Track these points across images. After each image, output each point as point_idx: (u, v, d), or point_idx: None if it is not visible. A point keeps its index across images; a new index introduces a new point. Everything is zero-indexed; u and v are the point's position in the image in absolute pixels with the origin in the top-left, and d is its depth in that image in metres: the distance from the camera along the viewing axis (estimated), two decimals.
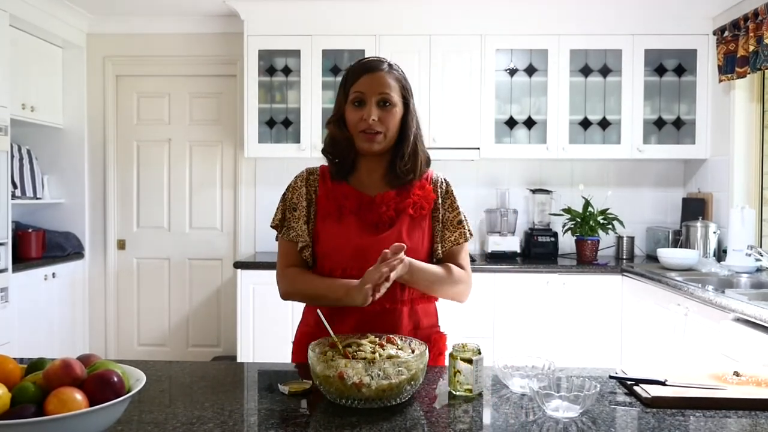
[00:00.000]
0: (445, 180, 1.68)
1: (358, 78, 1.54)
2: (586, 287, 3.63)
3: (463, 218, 1.66)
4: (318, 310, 1.42)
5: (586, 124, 3.98)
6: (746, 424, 1.15)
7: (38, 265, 3.82)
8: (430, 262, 1.62)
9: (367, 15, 3.88)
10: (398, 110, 1.55)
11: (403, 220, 1.57)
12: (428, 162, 1.65)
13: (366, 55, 3.85)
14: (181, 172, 4.42)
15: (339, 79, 3.96)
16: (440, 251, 1.62)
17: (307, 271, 1.60)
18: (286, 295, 1.62)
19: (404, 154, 1.57)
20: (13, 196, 3.77)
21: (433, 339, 1.62)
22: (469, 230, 1.66)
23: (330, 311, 1.51)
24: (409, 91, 1.59)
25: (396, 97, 1.55)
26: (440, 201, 1.64)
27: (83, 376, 1.02)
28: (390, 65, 1.58)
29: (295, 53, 3.94)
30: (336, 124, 1.59)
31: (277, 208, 1.65)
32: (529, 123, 3.97)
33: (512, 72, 3.96)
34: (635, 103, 3.89)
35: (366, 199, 1.58)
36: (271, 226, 1.65)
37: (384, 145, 1.56)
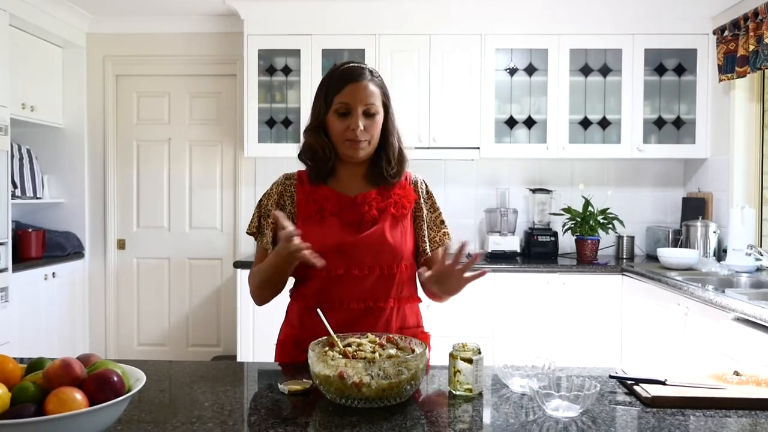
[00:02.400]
0: (424, 181, 1.70)
1: (342, 87, 1.52)
2: (586, 287, 3.62)
3: (443, 218, 1.69)
4: (318, 309, 1.42)
5: (586, 123, 3.97)
6: (746, 424, 1.15)
7: (38, 264, 3.82)
8: (417, 261, 1.64)
9: (367, 14, 3.88)
10: (380, 118, 1.56)
11: (386, 219, 1.57)
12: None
13: (366, 55, 3.86)
14: (180, 172, 4.42)
15: None
16: (428, 250, 1.63)
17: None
18: (253, 295, 1.63)
19: (390, 159, 1.59)
20: (13, 196, 3.77)
21: (419, 339, 1.61)
22: (448, 230, 1.68)
23: (305, 313, 1.54)
24: (388, 97, 1.59)
25: (379, 105, 1.55)
26: (422, 201, 1.65)
27: (83, 375, 1.02)
28: (371, 72, 1.57)
29: (295, 53, 3.93)
30: (315, 132, 1.58)
31: (254, 215, 1.65)
32: (529, 122, 3.97)
33: (512, 71, 3.96)
34: (635, 102, 3.88)
35: (347, 199, 1.58)
36: (247, 233, 1.66)
37: (367, 153, 1.56)
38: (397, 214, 1.59)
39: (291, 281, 1.66)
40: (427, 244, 1.63)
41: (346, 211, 1.57)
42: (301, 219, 1.58)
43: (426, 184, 1.69)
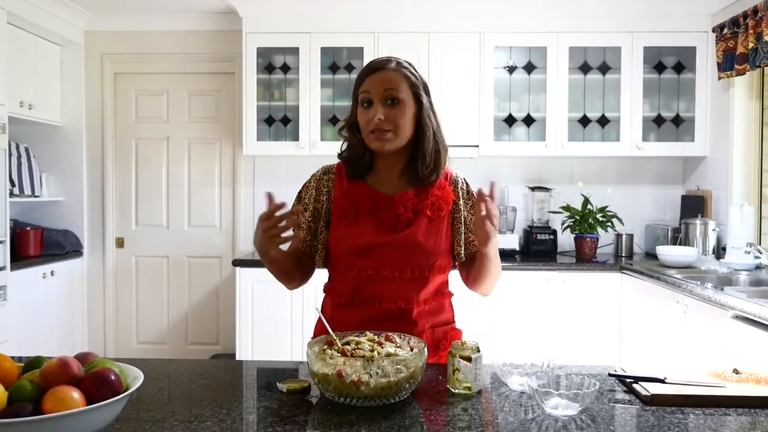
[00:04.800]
0: (465, 180, 1.64)
1: (364, 79, 1.52)
2: (585, 285, 3.62)
3: None
4: (317, 308, 1.43)
5: (585, 121, 3.97)
6: (746, 422, 1.15)
7: (37, 263, 3.81)
8: (452, 263, 1.61)
9: (365, 12, 3.87)
10: (408, 107, 1.51)
11: (421, 222, 1.53)
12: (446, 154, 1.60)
13: (365, 53, 3.86)
14: (179, 170, 4.41)
15: (338, 76, 3.97)
16: (463, 254, 1.59)
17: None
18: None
19: (425, 153, 1.53)
20: (12, 194, 3.76)
21: (449, 336, 1.61)
22: None
23: (337, 309, 1.56)
24: (420, 87, 1.54)
25: (404, 94, 1.50)
26: (461, 202, 1.60)
27: (80, 374, 1.02)
28: (398, 63, 1.54)
29: (294, 51, 3.93)
30: (349, 130, 1.57)
31: (293, 206, 1.63)
32: (528, 120, 3.96)
33: (511, 69, 3.95)
34: (634, 100, 3.88)
35: (383, 198, 1.55)
36: None
37: (395, 144, 1.51)
38: (433, 217, 1.55)
39: (325, 276, 1.66)
40: (462, 247, 1.58)
41: (382, 210, 1.54)
42: (336, 217, 1.57)
43: (467, 183, 1.64)
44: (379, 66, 1.53)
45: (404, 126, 1.51)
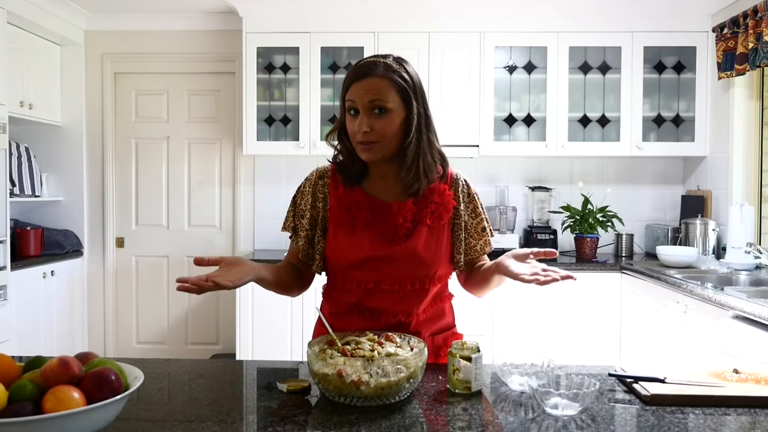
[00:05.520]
0: (465, 181, 1.59)
1: (350, 85, 1.44)
2: (586, 285, 3.62)
3: (486, 224, 1.59)
4: (317, 308, 1.42)
5: (585, 121, 3.97)
6: (745, 422, 1.15)
7: (37, 263, 3.81)
8: (453, 269, 1.58)
9: (366, 12, 3.87)
10: (397, 115, 1.43)
11: (421, 232, 1.49)
12: (444, 163, 1.56)
13: (365, 53, 3.85)
14: (179, 170, 4.41)
15: (338, 76, 3.97)
16: (462, 261, 1.55)
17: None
18: None
19: (411, 170, 1.46)
20: (12, 194, 3.76)
21: (449, 342, 1.58)
22: (492, 236, 1.60)
23: (336, 316, 1.53)
24: (410, 92, 1.44)
25: (391, 103, 1.42)
26: (462, 206, 1.55)
27: (81, 374, 1.02)
28: (387, 66, 1.44)
29: (294, 50, 3.93)
30: (338, 136, 1.51)
31: (288, 212, 1.59)
32: (528, 120, 3.96)
33: (511, 69, 3.95)
34: (634, 100, 3.88)
35: (381, 206, 1.50)
36: (282, 230, 1.61)
37: (383, 154, 1.45)
38: (433, 226, 1.50)
39: (325, 277, 1.62)
40: (462, 255, 1.54)
41: (379, 221, 1.49)
42: (333, 226, 1.52)
43: (468, 185, 1.58)
44: (365, 72, 1.43)
45: (392, 136, 1.44)
